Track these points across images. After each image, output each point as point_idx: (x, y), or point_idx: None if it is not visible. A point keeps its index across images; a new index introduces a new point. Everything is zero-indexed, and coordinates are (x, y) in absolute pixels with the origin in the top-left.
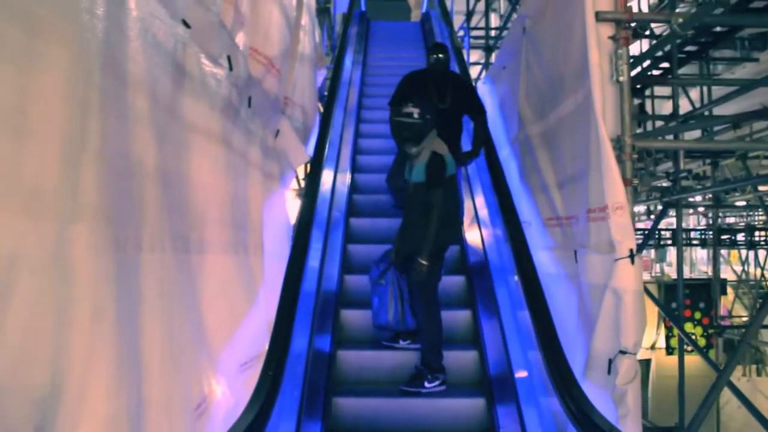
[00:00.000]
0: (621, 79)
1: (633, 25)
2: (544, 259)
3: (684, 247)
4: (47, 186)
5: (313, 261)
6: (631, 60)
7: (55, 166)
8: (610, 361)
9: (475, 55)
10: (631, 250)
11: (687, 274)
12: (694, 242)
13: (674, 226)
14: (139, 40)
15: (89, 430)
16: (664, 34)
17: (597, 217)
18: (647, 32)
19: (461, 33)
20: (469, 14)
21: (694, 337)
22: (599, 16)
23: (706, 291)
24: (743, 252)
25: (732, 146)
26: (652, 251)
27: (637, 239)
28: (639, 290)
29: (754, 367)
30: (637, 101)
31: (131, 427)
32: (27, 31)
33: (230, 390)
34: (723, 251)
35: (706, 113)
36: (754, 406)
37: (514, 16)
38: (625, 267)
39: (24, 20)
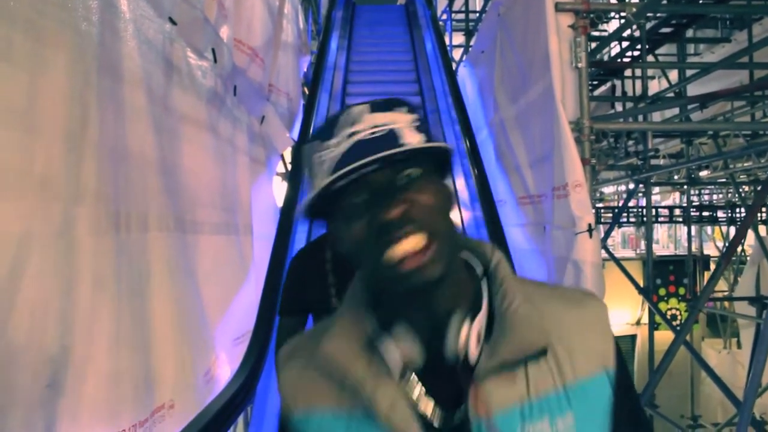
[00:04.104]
0: (580, 65)
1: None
2: (517, 235)
3: (670, 225)
4: (53, 173)
5: (300, 243)
6: (595, 44)
7: (60, 156)
8: None
9: (459, 38)
10: (590, 225)
11: (672, 250)
12: (678, 220)
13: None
14: (131, 40)
15: (94, 384)
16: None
17: (560, 194)
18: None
19: (444, 17)
20: None
21: (677, 312)
22: (558, 7)
23: (691, 267)
24: (725, 228)
25: (687, 127)
26: (642, 229)
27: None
28: (597, 262)
29: (734, 340)
30: (609, 83)
31: (136, 383)
32: (32, 40)
33: (228, 362)
34: (708, 228)
35: (690, 92)
36: (704, 361)
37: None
38: (584, 241)
39: (30, 30)
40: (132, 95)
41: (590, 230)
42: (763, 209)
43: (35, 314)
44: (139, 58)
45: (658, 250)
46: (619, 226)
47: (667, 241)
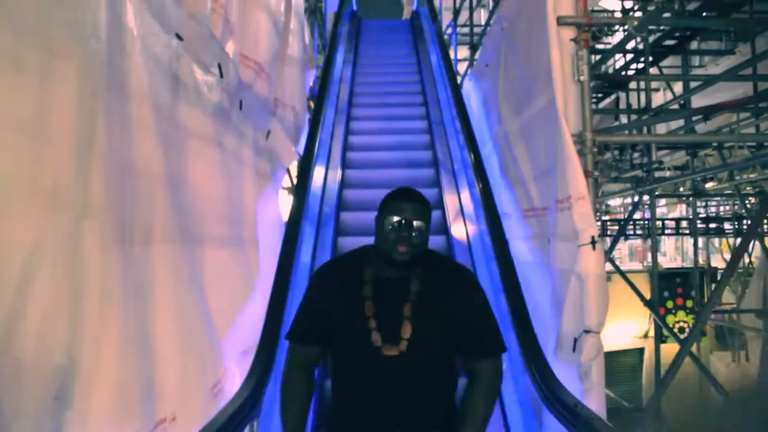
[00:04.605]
0: (582, 78)
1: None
2: (522, 248)
3: (677, 237)
4: (63, 186)
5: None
6: (598, 57)
7: (69, 169)
8: (575, 340)
9: (464, 52)
10: (593, 237)
11: (679, 263)
12: (684, 232)
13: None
14: (139, 56)
15: (101, 395)
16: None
17: (564, 207)
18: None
19: (449, 30)
20: (456, 12)
21: (686, 324)
22: (560, 21)
23: (697, 279)
24: (732, 240)
25: (690, 139)
26: (649, 241)
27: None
28: (601, 274)
29: (743, 352)
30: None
31: (141, 395)
32: (43, 55)
33: (235, 375)
34: (715, 240)
35: (695, 104)
36: (709, 372)
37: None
38: (587, 253)
39: (40, 45)
40: (139, 110)
41: (593, 242)
42: None
43: (44, 326)
44: (146, 74)
45: (666, 262)
46: (626, 239)
47: (675, 253)
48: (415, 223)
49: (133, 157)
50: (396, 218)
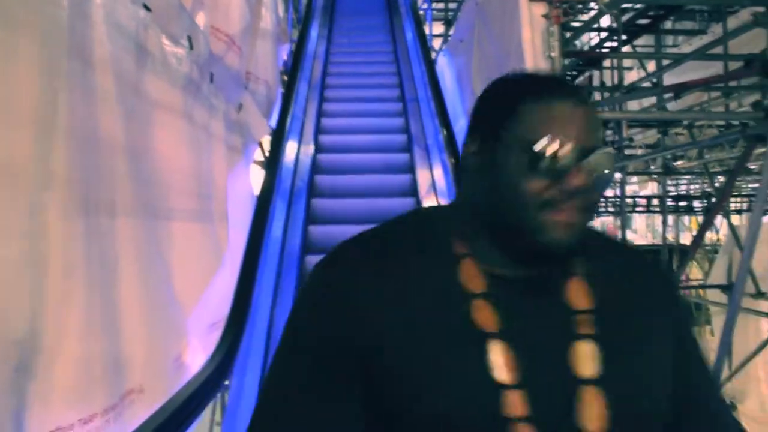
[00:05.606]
0: (553, 54)
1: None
2: None
3: (648, 214)
4: (23, 160)
5: (277, 232)
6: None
7: (30, 142)
8: None
9: (439, 28)
10: None
11: (650, 240)
12: (655, 209)
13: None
14: (102, 25)
15: (63, 368)
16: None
17: None
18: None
19: (425, 6)
20: None
21: None
22: None
23: (666, 256)
24: (701, 218)
25: (658, 116)
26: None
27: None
28: None
29: (708, 327)
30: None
31: (106, 366)
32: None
33: (201, 348)
34: (685, 218)
35: (668, 83)
36: None
37: None
38: None
39: None
40: (103, 81)
41: None
42: (738, 199)
43: (2, 298)
44: (110, 44)
45: (637, 239)
46: (597, 215)
47: (646, 230)
48: (595, 160)
49: (97, 129)
50: (558, 146)
